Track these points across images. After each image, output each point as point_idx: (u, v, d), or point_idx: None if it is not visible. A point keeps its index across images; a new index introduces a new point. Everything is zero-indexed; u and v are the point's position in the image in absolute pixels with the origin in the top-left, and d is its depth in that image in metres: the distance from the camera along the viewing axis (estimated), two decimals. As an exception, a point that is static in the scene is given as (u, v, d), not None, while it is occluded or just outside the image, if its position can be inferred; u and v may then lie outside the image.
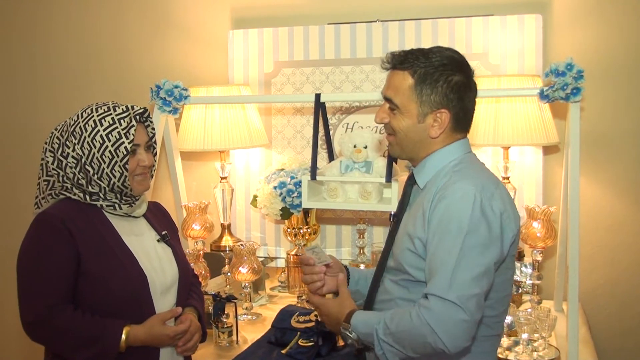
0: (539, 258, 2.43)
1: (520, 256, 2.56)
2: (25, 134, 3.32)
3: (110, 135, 1.74)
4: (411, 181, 1.75)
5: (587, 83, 2.20)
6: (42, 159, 1.82)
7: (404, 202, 1.76)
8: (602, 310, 2.72)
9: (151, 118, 1.86)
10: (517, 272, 2.54)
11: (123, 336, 1.71)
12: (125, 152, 1.75)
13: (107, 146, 1.74)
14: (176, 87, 2.58)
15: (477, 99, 1.70)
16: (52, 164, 1.79)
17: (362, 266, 2.66)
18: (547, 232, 2.38)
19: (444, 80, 1.62)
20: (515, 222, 1.60)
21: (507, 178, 2.55)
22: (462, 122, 1.67)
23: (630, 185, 2.67)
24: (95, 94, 3.09)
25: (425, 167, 1.69)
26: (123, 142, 1.75)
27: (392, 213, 1.83)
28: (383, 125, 1.73)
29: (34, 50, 3.28)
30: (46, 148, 1.81)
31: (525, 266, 2.53)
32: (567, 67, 2.17)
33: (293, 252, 2.74)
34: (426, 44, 2.66)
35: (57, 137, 1.80)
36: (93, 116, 1.77)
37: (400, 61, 1.67)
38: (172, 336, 1.77)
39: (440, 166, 1.66)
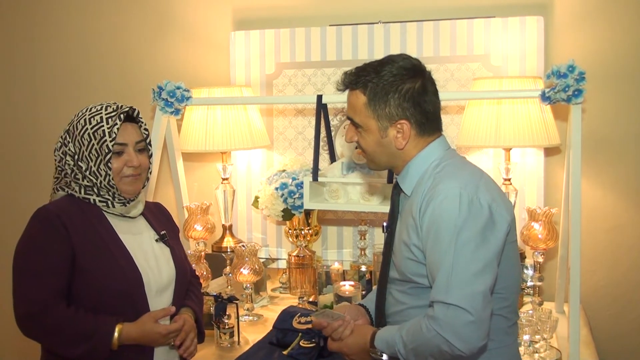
0: (540, 259, 2.42)
1: (522, 257, 2.56)
2: (25, 135, 3.32)
3: (96, 134, 1.76)
4: (397, 190, 1.74)
5: (588, 85, 2.20)
6: (54, 157, 1.85)
7: (394, 211, 1.76)
8: (604, 312, 2.72)
9: (141, 118, 1.84)
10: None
11: (115, 334, 1.70)
12: (107, 151, 1.75)
13: (93, 144, 1.76)
14: (178, 88, 2.58)
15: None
16: (59, 162, 1.82)
17: (363, 267, 2.66)
18: (549, 233, 2.38)
19: (394, 91, 1.62)
20: (506, 209, 1.58)
21: (509, 179, 2.55)
22: (426, 126, 1.65)
23: (631, 187, 2.67)
24: (96, 95, 3.09)
25: (408, 174, 1.68)
26: (106, 141, 1.75)
27: (385, 224, 1.82)
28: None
29: (35, 51, 3.28)
30: (55, 147, 1.84)
31: (527, 268, 2.53)
32: (568, 68, 2.17)
33: (294, 254, 2.74)
34: (427, 46, 2.72)
35: (61, 136, 1.83)
36: (85, 115, 1.79)
37: (351, 80, 1.68)
38: (164, 334, 1.77)
39: (423, 170, 1.65)
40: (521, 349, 2.08)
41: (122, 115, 1.78)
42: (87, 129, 1.76)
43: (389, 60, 1.66)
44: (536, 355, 2.08)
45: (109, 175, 1.77)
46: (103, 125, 1.76)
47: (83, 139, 1.76)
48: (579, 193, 2.16)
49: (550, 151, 2.68)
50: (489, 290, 1.48)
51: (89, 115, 1.78)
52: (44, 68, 3.28)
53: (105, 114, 1.77)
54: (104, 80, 3.20)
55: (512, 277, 1.65)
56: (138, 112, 1.84)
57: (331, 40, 2.84)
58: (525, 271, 2.53)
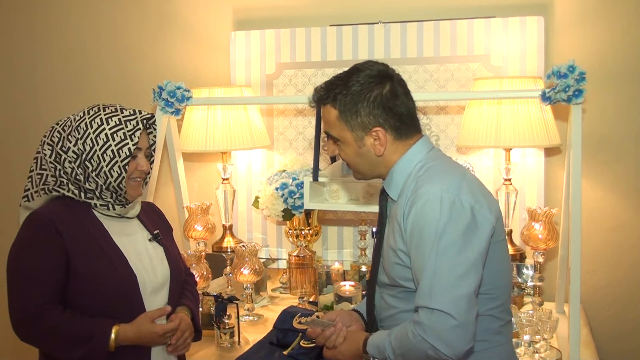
0: (541, 260, 2.42)
1: (522, 258, 2.56)
2: (26, 135, 3.32)
3: (115, 135, 1.75)
4: (384, 195, 1.74)
5: (588, 85, 2.20)
6: (38, 152, 1.82)
7: (382, 216, 1.75)
8: (604, 312, 2.73)
9: (155, 125, 1.86)
10: (519, 273, 2.54)
11: (112, 335, 1.70)
12: (127, 154, 1.75)
13: (110, 145, 1.75)
14: (178, 88, 2.58)
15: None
16: (50, 157, 1.79)
17: (363, 267, 2.66)
18: (549, 233, 2.38)
19: (362, 100, 1.62)
20: (490, 209, 1.56)
21: (509, 180, 2.55)
22: (401, 129, 1.65)
23: (631, 187, 2.67)
24: (97, 95, 3.10)
25: (393, 178, 1.67)
26: (127, 144, 1.75)
27: (374, 230, 1.82)
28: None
29: (35, 51, 3.28)
30: (44, 141, 1.80)
31: (527, 268, 2.53)
32: (569, 69, 2.18)
33: (294, 254, 2.74)
34: (428, 46, 2.72)
35: (58, 132, 1.79)
36: (100, 114, 1.77)
37: (320, 97, 1.68)
38: (161, 334, 1.77)
39: (406, 174, 1.65)
40: (521, 349, 2.08)
41: (144, 121, 1.79)
42: (104, 128, 1.75)
43: (355, 69, 1.66)
44: (536, 355, 2.09)
45: (122, 177, 1.76)
46: (123, 128, 1.76)
47: (98, 138, 1.74)
48: (579, 193, 2.16)
49: (550, 151, 2.68)
50: (474, 293, 1.48)
51: (104, 115, 1.77)
52: (44, 68, 3.28)
53: (124, 117, 1.77)
54: (104, 80, 3.20)
55: (501, 276, 1.64)
56: (155, 120, 1.85)
57: (331, 40, 2.84)
58: (525, 271, 2.53)
